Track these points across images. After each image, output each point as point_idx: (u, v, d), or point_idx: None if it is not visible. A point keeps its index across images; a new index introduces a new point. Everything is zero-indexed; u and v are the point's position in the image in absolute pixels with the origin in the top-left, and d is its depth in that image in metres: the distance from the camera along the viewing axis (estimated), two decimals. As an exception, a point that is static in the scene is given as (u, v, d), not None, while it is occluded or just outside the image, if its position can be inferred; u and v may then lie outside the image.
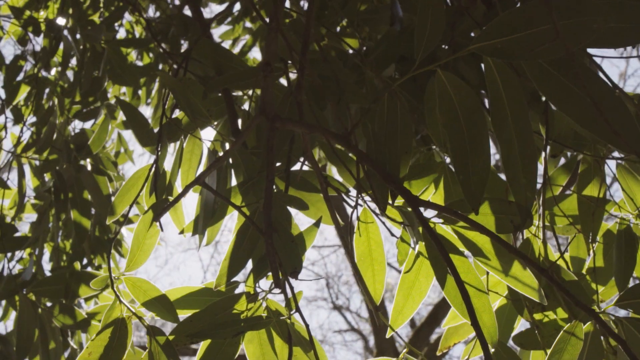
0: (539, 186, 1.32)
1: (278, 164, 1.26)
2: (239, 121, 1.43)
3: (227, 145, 1.43)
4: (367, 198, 1.22)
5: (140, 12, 2.32)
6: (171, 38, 2.31)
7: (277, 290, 1.12)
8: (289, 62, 1.31)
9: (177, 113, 1.46)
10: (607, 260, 1.36)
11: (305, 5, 2.00)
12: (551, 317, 1.27)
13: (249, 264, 1.22)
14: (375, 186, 1.10)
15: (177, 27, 2.28)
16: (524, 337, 1.29)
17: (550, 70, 0.91)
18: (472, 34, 1.32)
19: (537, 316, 1.27)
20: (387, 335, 1.22)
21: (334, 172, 2.31)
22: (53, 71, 2.46)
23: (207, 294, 1.24)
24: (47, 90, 2.43)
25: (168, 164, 1.44)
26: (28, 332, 1.87)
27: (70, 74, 2.47)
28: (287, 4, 1.73)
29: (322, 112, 1.26)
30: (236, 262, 1.19)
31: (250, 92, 1.64)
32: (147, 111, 3.35)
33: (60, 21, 2.22)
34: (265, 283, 1.62)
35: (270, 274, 1.17)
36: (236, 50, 2.79)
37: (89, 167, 2.23)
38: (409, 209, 1.12)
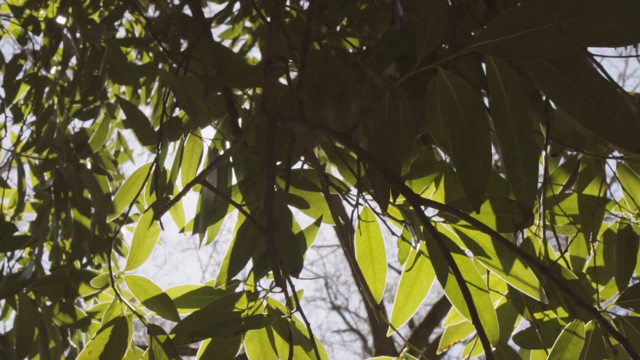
0: (539, 185, 1.32)
1: (278, 163, 1.26)
2: (239, 120, 1.43)
3: (228, 144, 1.43)
4: (367, 197, 1.22)
5: (140, 11, 2.32)
6: (171, 37, 2.31)
7: (277, 289, 1.12)
8: (290, 60, 1.31)
9: (178, 112, 1.46)
10: (607, 260, 1.36)
11: (305, 5, 2.00)
12: (551, 317, 1.27)
13: (249, 263, 1.22)
14: (376, 185, 1.10)
15: (177, 27, 2.28)
16: (525, 336, 1.29)
17: (551, 69, 0.91)
18: (472, 34, 1.32)
19: (538, 315, 1.27)
20: (388, 334, 1.22)
21: (333, 171, 2.31)
22: (53, 70, 2.46)
23: (208, 293, 1.24)
24: (47, 89, 2.43)
25: (168, 163, 1.44)
26: (28, 331, 1.86)
27: (70, 73, 2.47)
28: (287, 3, 1.73)
29: (323, 111, 1.26)
30: (237, 261, 1.19)
31: (250, 92, 1.64)
32: (146, 110, 3.35)
33: (60, 20, 2.22)
34: (265, 282, 1.62)
35: (270, 272, 1.17)
36: (236, 49, 2.79)
37: (89, 166, 2.23)
38: (410, 208, 1.12)
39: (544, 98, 1.32)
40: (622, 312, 1.19)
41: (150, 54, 2.59)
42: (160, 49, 2.39)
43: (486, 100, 1.34)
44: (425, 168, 1.31)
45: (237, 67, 1.36)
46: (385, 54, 1.34)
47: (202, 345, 1.15)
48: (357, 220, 1.23)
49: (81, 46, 2.21)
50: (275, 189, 1.23)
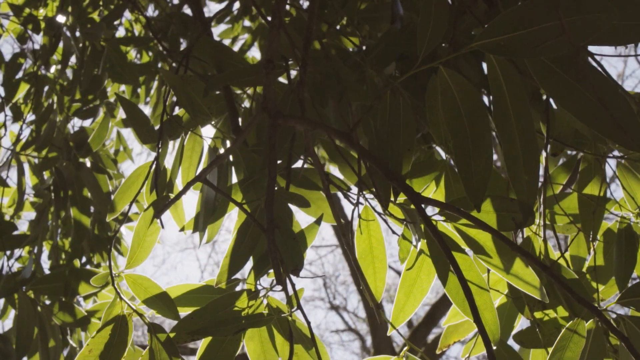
0: (539, 185, 1.32)
1: (279, 162, 1.26)
2: (239, 119, 1.43)
3: (228, 143, 1.43)
4: (368, 195, 1.22)
5: (139, 10, 2.32)
6: (171, 36, 2.31)
7: (278, 288, 1.12)
8: (290, 59, 1.31)
9: (178, 110, 1.46)
10: (607, 259, 1.36)
11: (305, 4, 2.00)
12: (552, 316, 1.27)
13: (249, 262, 1.22)
14: (377, 183, 1.10)
15: (177, 26, 2.28)
16: (525, 335, 1.29)
17: (552, 68, 0.91)
18: (473, 33, 1.32)
19: (538, 314, 1.27)
20: (389, 333, 1.22)
21: (332, 170, 2.30)
22: (52, 69, 2.46)
23: (208, 292, 1.24)
24: (46, 88, 2.43)
25: (168, 162, 1.44)
26: (27, 330, 1.86)
27: (69, 72, 2.47)
28: (288, 2, 1.73)
29: (324, 110, 1.26)
30: (237, 260, 1.19)
31: (250, 91, 1.64)
32: (146, 110, 3.34)
33: (60, 19, 2.22)
34: (265, 281, 1.62)
35: (271, 271, 1.17)
36: (235, 49, 2.79)
37: (89, 165, 2.23)
38: (411, 206, 1.12)
39: (544, 97, 1.32)
40: (622, 311, 1.19)
41: (150, 53, 2.59)
42: (160, 48, 2.39)
43: (486, 100, 1.35)
44: (426, 167, 1.31)
45: (238, 65, 1.36)
46: (385, 53, 1.34)
47: (202, 344, 1.15)
48: (357, 219, 1.23)
49: (81, 45, 2.21)
50: (276, 188, 1.23)
